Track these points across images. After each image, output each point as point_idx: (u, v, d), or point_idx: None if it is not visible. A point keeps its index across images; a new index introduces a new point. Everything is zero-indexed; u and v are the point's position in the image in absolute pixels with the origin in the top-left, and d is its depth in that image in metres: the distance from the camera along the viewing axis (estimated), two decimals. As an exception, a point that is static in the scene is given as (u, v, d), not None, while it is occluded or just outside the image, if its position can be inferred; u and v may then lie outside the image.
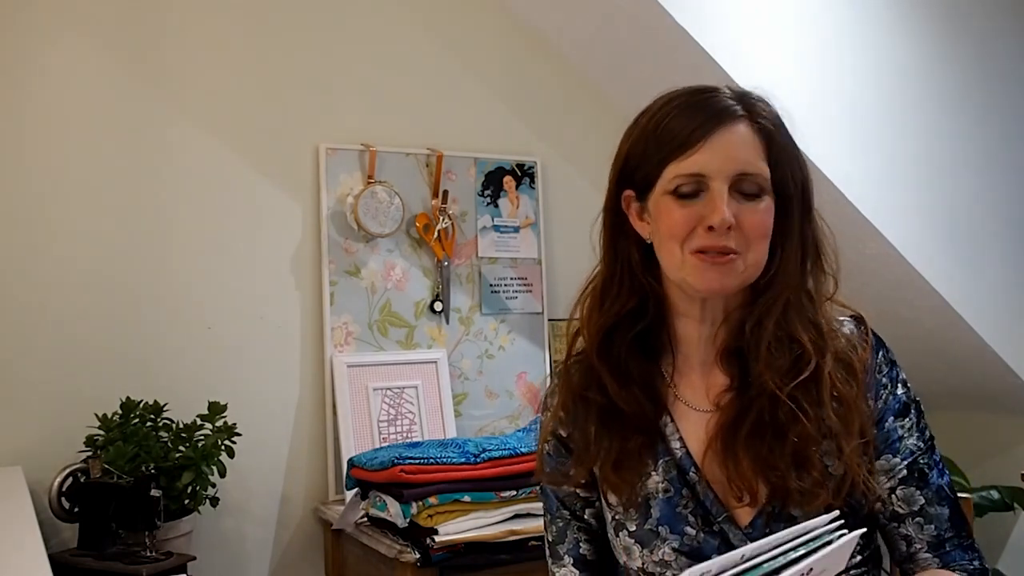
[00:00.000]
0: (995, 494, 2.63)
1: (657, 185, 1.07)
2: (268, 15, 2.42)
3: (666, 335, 1.16)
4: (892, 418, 1.10)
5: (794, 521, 1.04)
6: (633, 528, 1.13)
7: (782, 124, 1.10)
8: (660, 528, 1.11)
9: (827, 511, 1.02)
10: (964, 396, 2.77)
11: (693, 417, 1.13)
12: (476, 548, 1.97)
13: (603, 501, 1.18)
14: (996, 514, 2.64)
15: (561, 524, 1.22)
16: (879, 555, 1.14)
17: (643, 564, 1.12)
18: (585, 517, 1.21)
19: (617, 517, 1.15)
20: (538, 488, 1.44)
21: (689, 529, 1.09)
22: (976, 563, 1.09)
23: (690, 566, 1.07)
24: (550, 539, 1.24)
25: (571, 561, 1.21)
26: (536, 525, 1.98)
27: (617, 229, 1.14)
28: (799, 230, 1.09)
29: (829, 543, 0.87)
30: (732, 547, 1.07)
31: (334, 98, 2.49)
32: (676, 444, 1.12)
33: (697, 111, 1.06)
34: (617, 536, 1.15)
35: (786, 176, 1.07)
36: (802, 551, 0.86)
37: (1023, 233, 2.68)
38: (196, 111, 2.33)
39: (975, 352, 2.59)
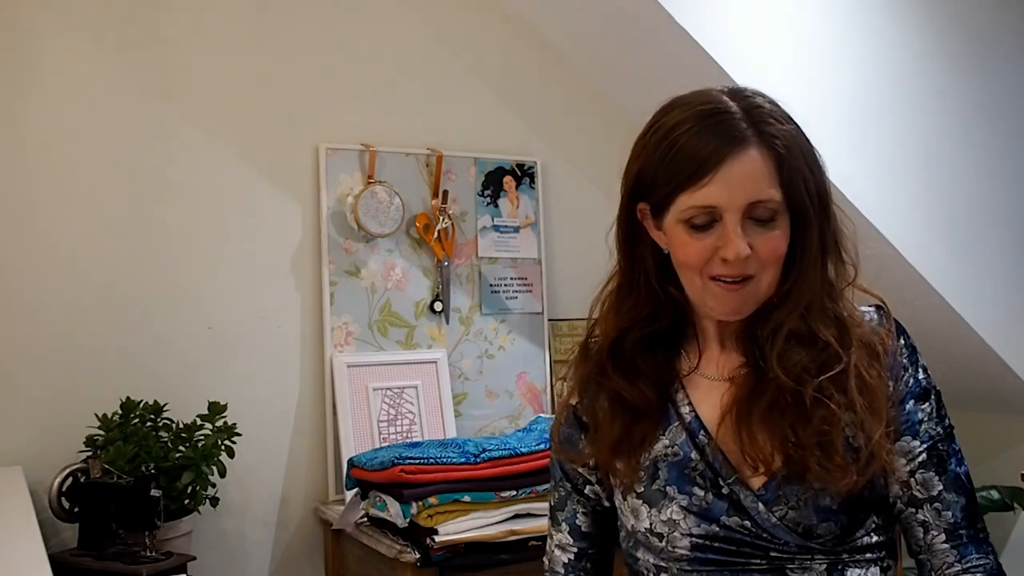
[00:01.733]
0: (995, 494, 2.63)
1: (670, 211, 1.08)
2: (268, 15, 2.42)
3: (691, 328, 1.19)
4: (912, 401, 1.12)
5: (810, 487, 1.06)
6: (641, 489, 1.15)
7: (793, 135, 1.08)
8: (668, 488, 1.13)
9: (850, 490, 1.04)
10: (964, 396, 2.76)
11: (705, 385, 1.16)
12: (476, 548, 1.97)
13: (609, 472, 1.20)
14: (996, 514, 2.63)
15: (563, 493, 1.27)
16: (895, 547, 1.14)
17: (651, 524, 1.13)
18: (585, 492, 1.25)
19: (625, 481, 1.17)
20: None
21: (697, 490, 1.11)
22: (992, 558, 1.11)
23: (699, 525, 1.09)
24: (552, 503, 1.29)
25: (567, 529, 1.26)
26: (536, 525, 1.99)
27: (633, 238, 1.16)
28: (818, 234, 1.09)
29: None
30: (743, 509, 1.09)
31: (334, 98, 2.49)
32: (686, 409, 1.15)
33: (706, 138, 1.04)
34: (625, 500, 1.17)
35: (799, 192, 1.07)
36: None
37: (1023, 233, 2.67)
38: (196, 111, 2.33)
39: (975, 352, 2.59)
